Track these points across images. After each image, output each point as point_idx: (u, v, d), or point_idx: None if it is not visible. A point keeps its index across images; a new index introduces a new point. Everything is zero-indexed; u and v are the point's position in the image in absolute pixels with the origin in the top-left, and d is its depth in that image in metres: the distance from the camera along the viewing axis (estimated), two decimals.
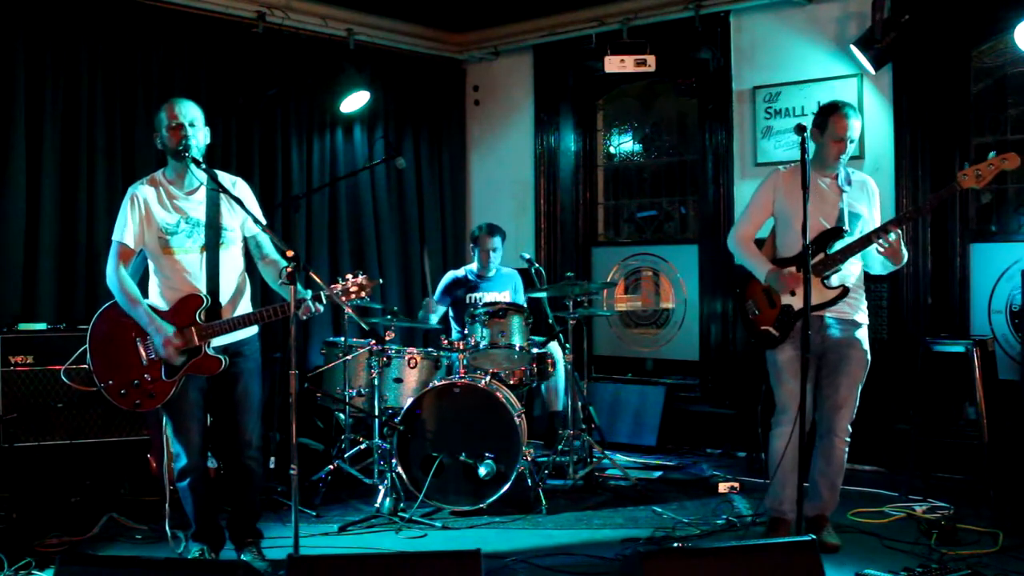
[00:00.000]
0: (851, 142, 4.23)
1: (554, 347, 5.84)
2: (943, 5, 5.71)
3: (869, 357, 4.30)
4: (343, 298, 3.84)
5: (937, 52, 5.79)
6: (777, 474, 4.27)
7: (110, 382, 3.93)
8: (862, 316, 4.32)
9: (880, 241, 4.05)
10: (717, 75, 6.60)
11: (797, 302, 4.24)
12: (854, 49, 5.78)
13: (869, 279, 4.47)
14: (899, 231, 4.06)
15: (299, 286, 3.60)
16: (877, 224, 4.30)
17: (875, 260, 4.28)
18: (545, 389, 5.86)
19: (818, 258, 4.18)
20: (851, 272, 4.27)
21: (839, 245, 4.18)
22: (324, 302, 3.86)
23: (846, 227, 4.22)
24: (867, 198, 4.35)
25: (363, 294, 3.88)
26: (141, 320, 3.90)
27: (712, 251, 6.63)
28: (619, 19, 6.78)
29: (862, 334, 4.30)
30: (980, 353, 4.98)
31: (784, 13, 6.30)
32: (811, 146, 4.41)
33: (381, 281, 4.13)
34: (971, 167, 3.98)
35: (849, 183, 4.31)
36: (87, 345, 3.98)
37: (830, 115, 4.24)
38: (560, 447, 5.59)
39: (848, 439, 4.29)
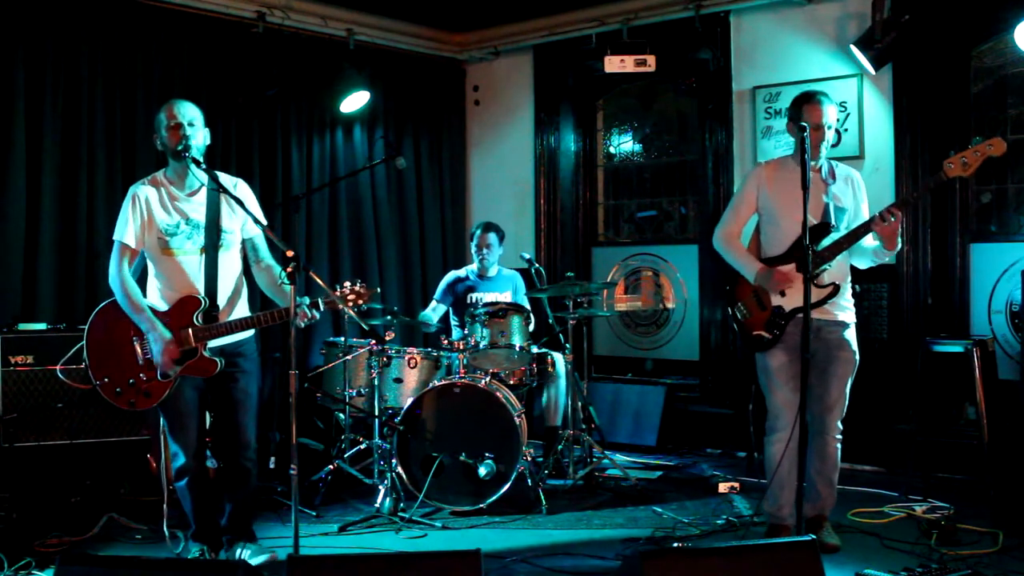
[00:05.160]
0: (828, 128, 4.13)
1: (556, 357, 5.83)
2: (943, 5, 5.71)
3: (858, 358, 4.25)
4: (341, 305, 3.84)
5: (937, 52, 5.79)
6: (775, 479, 4.23)
7: (105, 380, 3.93)
8: (850, 316, 4.26)
9: (879, 218, 3.94)
10: (717, 75, 6.60)
11: (788, 303, 4.18)
12: (854, 49, 5.78)
13: (869, 279, 4.44)
14: (900, 213, 3.96)
15: (296, 293, 3.60)
16: (865, 217, 4.22)
17: (864, 253, 4.20)
18: (545, 401, 5.85)
19: None
20: (840, 270, 4.21)
21: (827, 241, 4.11)
22: (321, 308, 3.86)
23: (832, 222, 4.13)
24: (852, 191, 4.27)
25: (360, 302, 3.88)
26: (143, 325, 3.90)
27: (712, 251, 6.58)
28: (619, 19, 6.78)
29: (850, 334, 4.25)
30: (980, 353, 4.97)
31: (784, 13, 6.30)
32: (792, 141, 4.38)
33: (379, 290, 4.15)
34: (956, 155, 3.87)
35: (833, 176, 4.23)
36: (84, 343, 3.99)
37: (802, 105, 4.16)
38: (560, 447, 5.59)
39: (840, 436, 4.26)
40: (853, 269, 4.34)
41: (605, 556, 4.25)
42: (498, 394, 5.03)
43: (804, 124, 3.94)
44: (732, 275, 4.42)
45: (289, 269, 3.50)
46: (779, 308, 4.21)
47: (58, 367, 4.95)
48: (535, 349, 5.52)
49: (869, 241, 4.17)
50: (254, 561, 4.04)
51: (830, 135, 4.16)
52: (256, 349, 4.24)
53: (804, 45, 6.23)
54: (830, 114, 4.14)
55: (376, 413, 5.23)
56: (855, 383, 4.30)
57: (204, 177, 4.02)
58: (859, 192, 4.30)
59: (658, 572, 2.77)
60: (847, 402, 4.26)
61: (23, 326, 5.09)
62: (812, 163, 4.19)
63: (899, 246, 4.09)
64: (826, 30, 6.13)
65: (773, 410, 4.27)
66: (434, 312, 6.22)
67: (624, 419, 6.83)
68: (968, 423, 5.63)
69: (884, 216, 3.94)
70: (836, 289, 4.14)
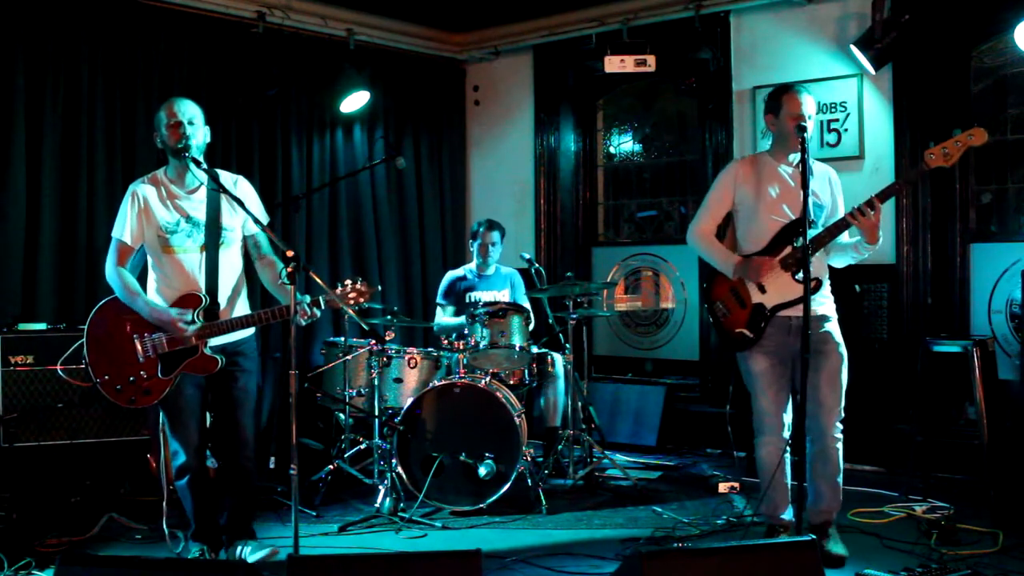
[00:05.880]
0: (809, 119, 4.03)
1: (556, 357, 5.82)
2: (943, 5, 5.71)
3: (844, 350, 4.13)
4: (341, 303, 3.84)
5: (937, 52, 5.79)
6: (770, 484, 4.16)
7: (106, 377, 3.94)
8: (829, 309, 4.16)
9: (858, 211, 3.87)
10: (717, 75, 6.60)
11: (769, 300, 4.10)
12: (854, 49, 5.78)
13: (869, 279, 4.41)
14: (879, 205, 3.90)
15: (297, 291, 3.60)
16: (842, 215, 4.11)
17: (843, 249, 4.13)
18: (545, 401, 5.84)
19: (785, 251, 4.04)
20: (819, 265, 4.12)
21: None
22: (322, 307, 3.86)
23: (811, 216, 4.03)
24: (830, 188, 4.20)
25: (361, 300, 3.88)
26: (142, 311, 3.91)
27: None
28: (619, 19, 6.78)
29: (832, 327, 4.14)
30: (980, 353, 4.96)
31: (784, 13, 6.30)
32: (770, 136, 4.30)
33: (380, 288, 4.18)
34: (937, 146, 3.81)
35: (811, 172, 4.09)
36: (84, 340, 3.99)
37: (782, 96, 4.10)
38: (560, 447, 5.59)
39: (840, 436, 4.14)
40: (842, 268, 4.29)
41: (605, 556, 4.25)
42: (498, 394, 5.03)
43: (804, 125, 3.90)
44: (709, 273, 4.35)
45: (290, 269, 3.50)
46: (760, 305, 4.13)
47: (58, 366, 4.95)
48: (535, 349, 5.52)
49: (846, 237, 4.11)
50: (254, 557, 4.05)
51: (810, 126, 4.05)
52: (256, 348, 4.24)
53: (804, 45, 6.23)
54: (809, 105, 4.08)
55: (376, 413, 5.23)
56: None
57: (204, 177, 4.02)
58: (836, 189, 4.23)
59: (658, 572, 2.77)
60: (843, 400, 4.13)
61: (23, 326, 5.09)
62: (791, 158, 4.13)
63: (880, 240, 4.01)
64: (826, 30, 6.13)
65: (758, 413, 4.21)
66: (449, 315, 6.19)
67: (624, 419, 6.84)
68: (968, 423, 5.63)
69: (864, 209, 3.89)
70: (818, 284, 4.05)
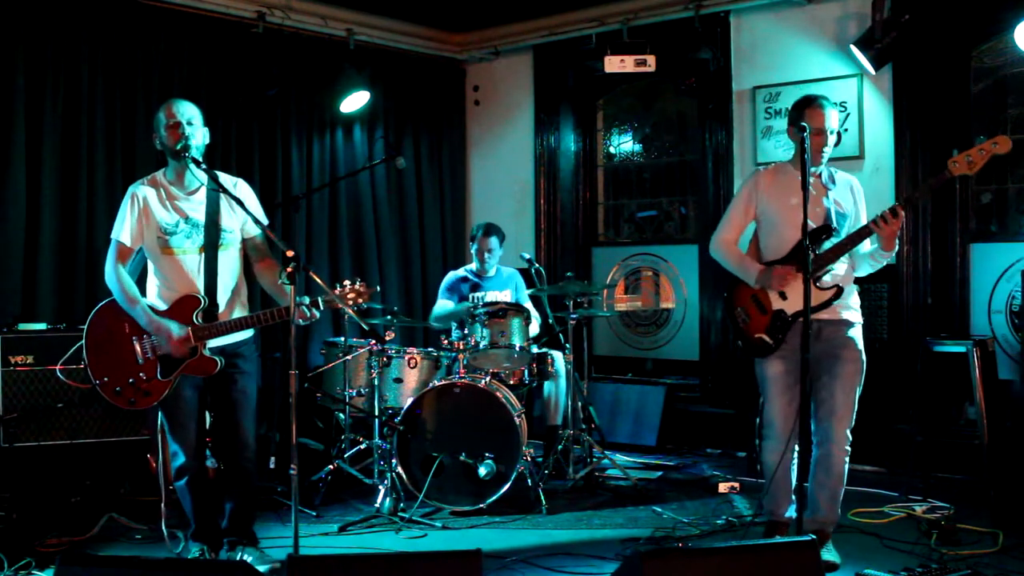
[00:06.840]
0: (831, 133, 4.05)
1: (556, 356, 5.82)
2: (943, 5, 5.71)
3: (864, 358, 4.11)
4: (340, 304, 3.84)
5: (937, 52, 5.79)
6: (772, 484, 4.17)
7: (105, 379, 3.94)
8: (855, 315, 4.14)
9: (881, 219, 3.86)
10: (717, 75, 6.60)
11: (790, 306, 4.08)
12: (854, 49, 5.78)
13: (869, 279, 4.39)
14: (902, 213, 3.88)
15: (297, 292, 3.59)
16: (863, 224, 4.10)
17: (862, 258, 4.13)
18: (545, 401, 5.83)
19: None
20: (844, 273, 4.12)
21: (828, 244, 4.01)
22: (321, 307, 3.86)
23: (834, 225, 4.05)
24: (853, 198, 4.19)
25: (360, 301, 3.88)
26: (140, 320, 3.91)
27: None
28: (619, 19, 6.78)
29: (856, 333, 4.12)
30: (980, 353, 4.97)
31: (784, 13, 6.31)
32: (792, 145, 4.30)
33: (378, 289, 4.20)
34: (961, 153, 3.80)
35: (833, 181, 4.15)
36: (83, 342, 3.99)
37: (804, 108, 4.08)
38: (560, 447, 5.59)
39: (848, 448, 4.08)
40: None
41: (605, 556, 4.25)
42: (498, 394, 5.03)
43: (804, 124, 3.91)
44: (731, 281, 4.34)
45: (289, 269, 3.50)
46: (780, 311, 4.11)
47: (58, 367, 4.95)
48: (535, 349, 5.52)
49: (867, 246, 4.10)
50: (258, 568, 4.03)
51: (832, 140, 4.08)
52: (255, 349, 4.24)
53: (804, 45, 6.23)
54: (832, 118, 4.07)
55: (376, 413, 5.23)
56: None
57: (204, 177, 4.02)
58: (859, 199, 4.22)
59: (658, 572, 2.77)
60: (855, 409, 4.08)
61: (23, 326, 5.09)
62: (813, 168, 4.10)
63: (896, 248, 4.02)
64: (826, 30, 6.13)
65: (767, 418, 4.20)
66: (451, 303, 6.13)
67: (624, 419, 6.84)
68: (968, 423, 5.63)
69: (887, 217, 3.88)
70: (839, 292, 4.04)
